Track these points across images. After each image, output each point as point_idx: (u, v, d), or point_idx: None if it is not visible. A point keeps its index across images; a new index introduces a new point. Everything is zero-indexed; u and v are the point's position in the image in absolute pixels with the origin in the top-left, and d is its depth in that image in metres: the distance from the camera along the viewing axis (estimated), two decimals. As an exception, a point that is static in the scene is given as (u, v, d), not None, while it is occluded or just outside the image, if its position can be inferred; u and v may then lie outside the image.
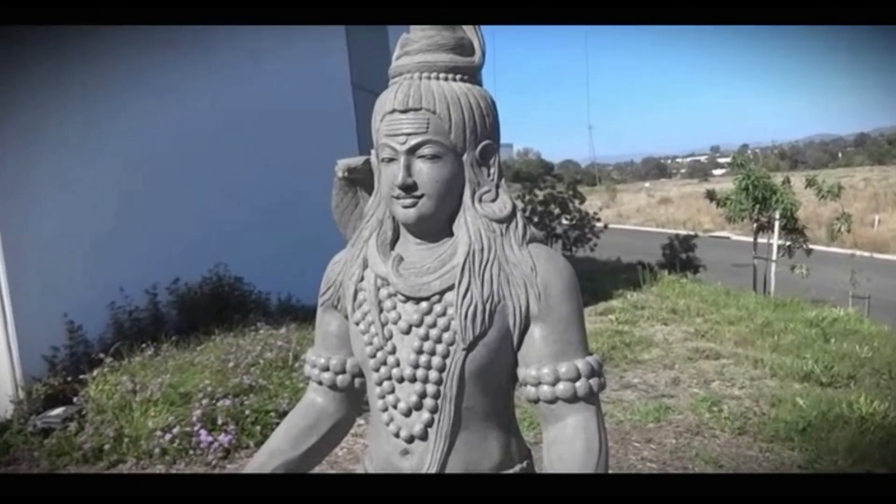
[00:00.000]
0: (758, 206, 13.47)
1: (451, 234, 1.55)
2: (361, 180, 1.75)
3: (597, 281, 11.57)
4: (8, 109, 5.79)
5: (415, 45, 1.56)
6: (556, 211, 15.61)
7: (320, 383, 1.75)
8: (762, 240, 14.02)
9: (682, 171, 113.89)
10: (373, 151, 1.61)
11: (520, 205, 1.58)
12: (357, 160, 1.74)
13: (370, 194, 1.68)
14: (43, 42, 5.77)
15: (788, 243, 13.68)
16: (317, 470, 1.78)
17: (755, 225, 13.97)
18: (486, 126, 1.54)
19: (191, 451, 4.93)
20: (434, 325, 1.50)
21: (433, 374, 1.50)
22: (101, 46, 6.30)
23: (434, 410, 1.51)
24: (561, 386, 1.48)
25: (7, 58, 5.67)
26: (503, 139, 1.63)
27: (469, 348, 1.48)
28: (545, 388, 1.50)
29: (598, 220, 15.93)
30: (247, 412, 5.16)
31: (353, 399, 1.78)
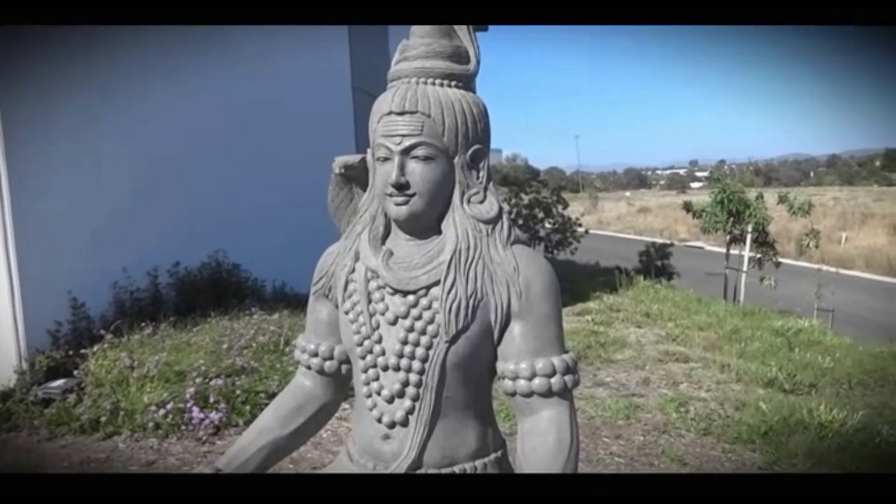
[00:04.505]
0: (731, 219, 13.50)
1: (439, 232, 1.55)
2: (357, 177, 1.74)
3: (576, 283, 11.62)
4: (20, 97, 5.76)
5: (413, 51, 1.56)
6: (541, 215, 15.60)
7: (309, 368, 1.75)
8: (734, 251, 14.05)
9: (662, 182, 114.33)
10: (369, 150, 1.61)
11: (506, 207, 1.58)
12: (353, 158, 1.74)
13: (364, 191, 1.68)
14: (56, 31, 5.72)
15: (759, 255, 13.71)
16: (302, 450, 1.78)
17: (728, 237, 13.99)
18: (477, 131, 1.54)
19: (183, 427, 4.92)
20: (419, 317, 1.50)
21: (416, 364, 1.50)
22: (112, 39, 6.26)
23: (416, 398, 1.51)
24: (537, 381, 1.49)
25: (21, 46, 5.64)
26: (493, 144, 1.63)
27: (451, 341, 1.48)
28: (522, 383, 1.50)
29: (580, 225, 15.93)
30: (238, 392, 5.16)
31: (339, 384, 1.78)
